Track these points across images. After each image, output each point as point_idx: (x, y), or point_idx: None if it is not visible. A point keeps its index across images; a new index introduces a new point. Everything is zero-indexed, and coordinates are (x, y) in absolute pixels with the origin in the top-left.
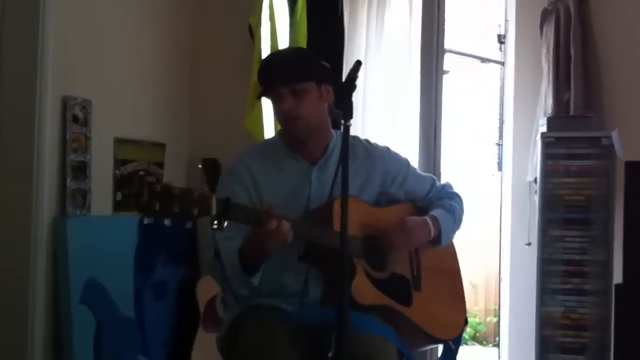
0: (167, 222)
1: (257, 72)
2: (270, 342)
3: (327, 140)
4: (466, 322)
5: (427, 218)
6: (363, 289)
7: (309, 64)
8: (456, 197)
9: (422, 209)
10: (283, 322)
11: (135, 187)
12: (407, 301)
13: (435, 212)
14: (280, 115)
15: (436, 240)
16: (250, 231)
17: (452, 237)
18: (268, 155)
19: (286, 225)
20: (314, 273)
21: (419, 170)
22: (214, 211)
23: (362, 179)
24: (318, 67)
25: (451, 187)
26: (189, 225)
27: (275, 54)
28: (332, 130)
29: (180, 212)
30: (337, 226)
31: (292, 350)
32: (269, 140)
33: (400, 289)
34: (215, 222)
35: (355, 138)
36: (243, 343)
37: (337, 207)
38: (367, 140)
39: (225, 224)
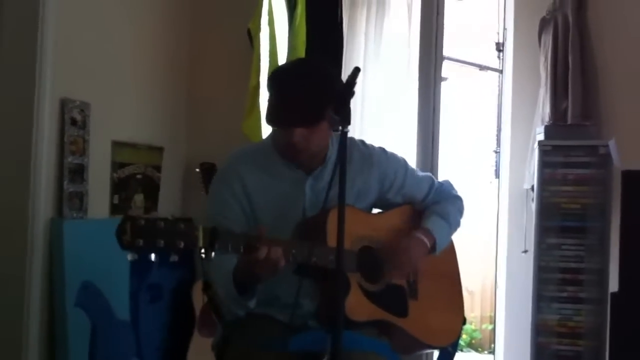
0: (152, 257)
1: (266, 86)
2: (259, 356)
3: (326, 150)
4: (464, 322)
5: (419, 234)
6: (357, 306)
7: (325, 103)
8: (454, 199)
9: (420, 211)
10: (273, 336)
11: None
12: (402, 312)
13: (428, 222)
14: (284, 142)
15: (431, 251)
16: (241, 257)
17: (447, 243)
18: (260, 161)
19: (277, 252)
20: (306, 287)
21: (417, 171)
22: (200, 243)
23: (358, 186)
24: (329, 99)
25: (450, 187)
26: None
27: (288, 86)
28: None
29: (165, 246)
30: (331, 241)
31: None
32: (260, 144)
33: (396, 299)
34: (203, 252)
35: (351, 141)
36: (231, 355)
37: (331, 220)
38: (362, 142)
39: (213, 254)
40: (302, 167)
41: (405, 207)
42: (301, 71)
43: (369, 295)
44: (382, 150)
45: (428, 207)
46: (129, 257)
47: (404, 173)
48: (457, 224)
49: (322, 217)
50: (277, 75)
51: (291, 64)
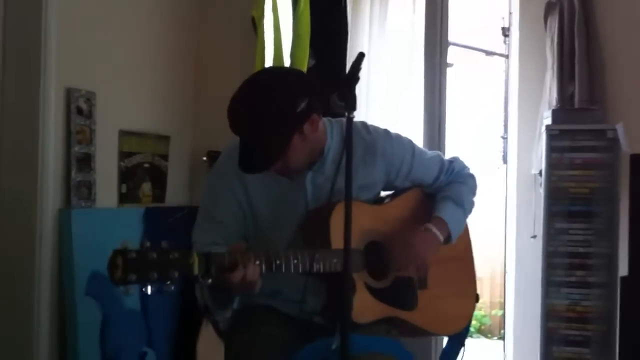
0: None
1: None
2: (263, 348)
3: (322, 145)
4: (477, 299)
5: (432, 227)
6: (362, 307)
7: (282, 128)
8: (466, 178)
9: (431, 194)
10: (278, 326)
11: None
12: (411, 305)
13: (442, 211)
14: None
15: (446, 241)
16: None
17: (462, 230)
18: None
19: (252, 273)
20: (312, 284)
21: (425, 152)
22: (196, 271)
23: (361, 177)
24: (293, 121)
25: (462, 166)
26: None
27: (240, 131)
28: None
29: (159, 278)
30: (335, 243)
31: (286, 354)
32: None
33: (404, 292)
34: (201, 278)
35: (354, 126)
36: (237, 346)
37: (334, 220)
38: (365, 126)
39: (209, 281)
40: None
41: (415, 191)
42: (246, 110)
43: (375, 293)
44: (386, 134)
45: (440, 191)
46: (123, 292)
47: (411, 159)
48: (472, 206)
49: (325, 216)
50: (229, 117)
51: (237, 99)
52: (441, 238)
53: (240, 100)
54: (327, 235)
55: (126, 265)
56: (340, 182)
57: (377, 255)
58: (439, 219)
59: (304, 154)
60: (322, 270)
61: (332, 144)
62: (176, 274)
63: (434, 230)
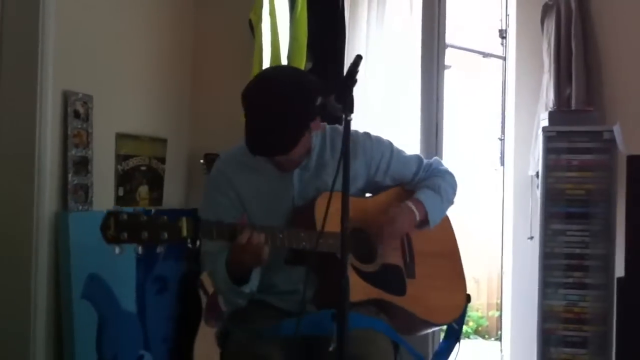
0: (140, 250)
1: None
2: (259, 348)
3: (310, 145)
4: (468, 299)
5: (410, 203)
6: (352, 287)
7: (298, 126)
8: (445, 174)
9: (411, 192)
10: (272, 321)
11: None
12: (400, 291)
13: (419, 195)
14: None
15: (424, 223)
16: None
17: (440, 217)
18: (246, 161)
19: (259, 237)
20: (303, 274)
21: (404, 152)
22: (184, 233)
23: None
24: (307, 119)
25: (440, 164)
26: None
27: (259, 114)
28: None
29: (149, 238)
30: (320, 226)
31: (282, 354)
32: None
33: (393, 279)
34: (190, 242)
35: (335, 130)
36: (232, 346)
37: (318, 207)
38: None
39: (198, 243)
40: None
41: (396, 188)
42: (271, 95)
43: (363, 276)
44: (366, 135)
45: (419, 183)
46: (116, 250)
47: (390, 154)
48: (450, 198)
49: (310, 205)
50: (248, 98)
51: (261, 82)
52: (417, 215)
53: (262, 84)
54: (312, 222)
55: (117, 225)
56: (327, 178)
57: (361, 241)
58: (416, 200)
59: (304, 149)
60: (307, 248)
61: (317, 144)
62: (166, 235)
63: (410, 205)
